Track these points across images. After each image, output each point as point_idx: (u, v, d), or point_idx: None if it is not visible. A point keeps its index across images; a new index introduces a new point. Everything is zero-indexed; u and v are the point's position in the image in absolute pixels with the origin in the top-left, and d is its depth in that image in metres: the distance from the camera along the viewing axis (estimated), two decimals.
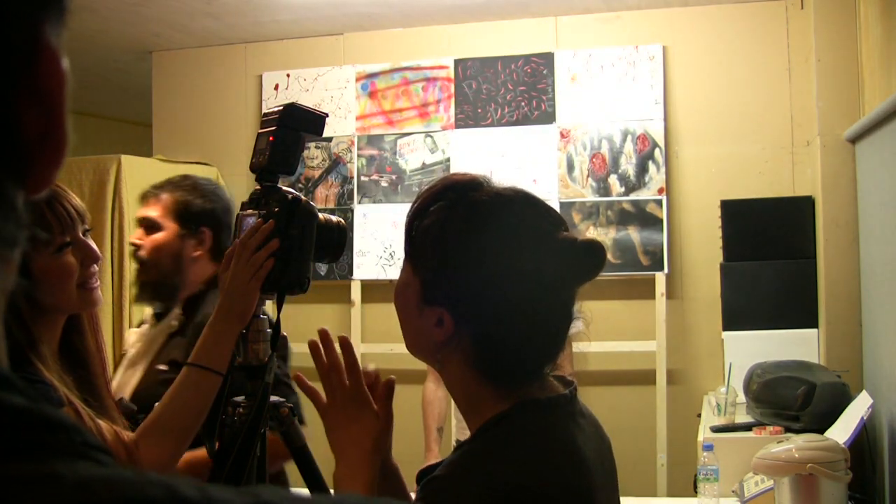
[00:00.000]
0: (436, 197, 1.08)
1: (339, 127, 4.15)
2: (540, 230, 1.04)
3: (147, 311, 2.16)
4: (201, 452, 1.46)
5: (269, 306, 1.48)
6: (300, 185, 4.13)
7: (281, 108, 1.41)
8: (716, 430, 2.82)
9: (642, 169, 3.82)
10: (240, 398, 1.41)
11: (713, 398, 3.11)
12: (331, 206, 4.13)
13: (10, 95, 0.37)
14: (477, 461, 0.99)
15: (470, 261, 1.03)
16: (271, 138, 1.38)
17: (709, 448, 2.50)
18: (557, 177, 3.89)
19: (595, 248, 1.05)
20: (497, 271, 1.01)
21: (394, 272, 4.01)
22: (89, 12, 3.78)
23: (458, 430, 3.00)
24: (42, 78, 0.39)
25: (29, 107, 0.38)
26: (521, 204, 1.06)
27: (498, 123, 3.99)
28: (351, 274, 4.07)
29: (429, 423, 3.04)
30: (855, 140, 3.19)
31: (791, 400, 2.73)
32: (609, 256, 3.81)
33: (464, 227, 1.04)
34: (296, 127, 1.40)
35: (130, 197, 3.63)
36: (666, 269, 3.76)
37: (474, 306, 1.03)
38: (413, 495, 1.05)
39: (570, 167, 3.89)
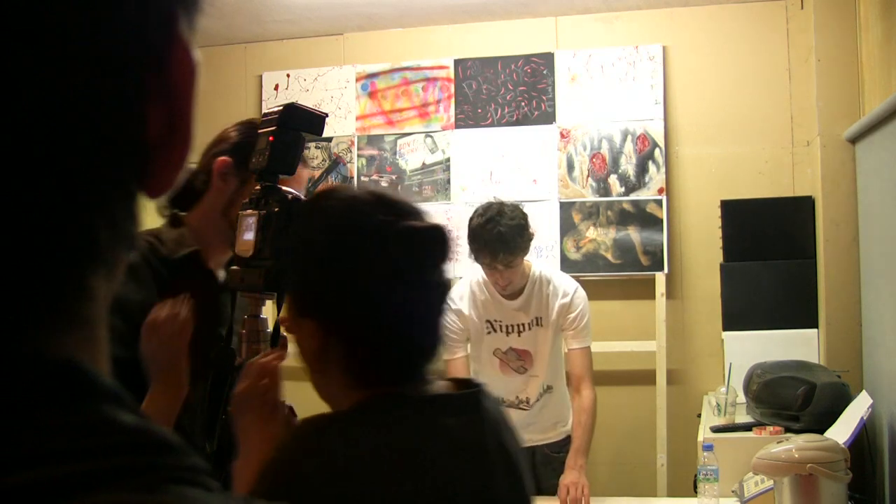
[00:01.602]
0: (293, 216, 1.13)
1: (339, 127, 4.15)
2: (381, 222, 1.04)
3: None
4: None
5: (270, 306, 1.48)
6: None
7: (281, 108, 1.41)
8: (716, 430, 2.82)
9: (642, 169, 3.82)
10: None
11: (713, 398, 3.11)
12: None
13: (139, 91, 0.35)
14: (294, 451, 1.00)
15: (319, 263, 1.04)
16: (271, 138, 1.38)
17: (709, 448, 2.50)
18: (557, 177, 3.89)
19: (430, 233, 1.05)
20: (345, 268, 1.03)
21: None
22: None
23: None
24: (172, 74, 0.37)
25: (155, 103, 0.36)
26: (365, 201, 1.08)
27: (498, 123, 3.99)
28: None
29: None
30: (855, 140, 3.19)
31: (791, 400, 2.73)
32: (609, 256, 3.81)
33: (310, 232, 1.07)
34: (296, 127, 1.40)
35: None
36: (666, 269, 3.76)
37: (332, 308, 1.04)
38: None
39: (570, 167, 3.89)
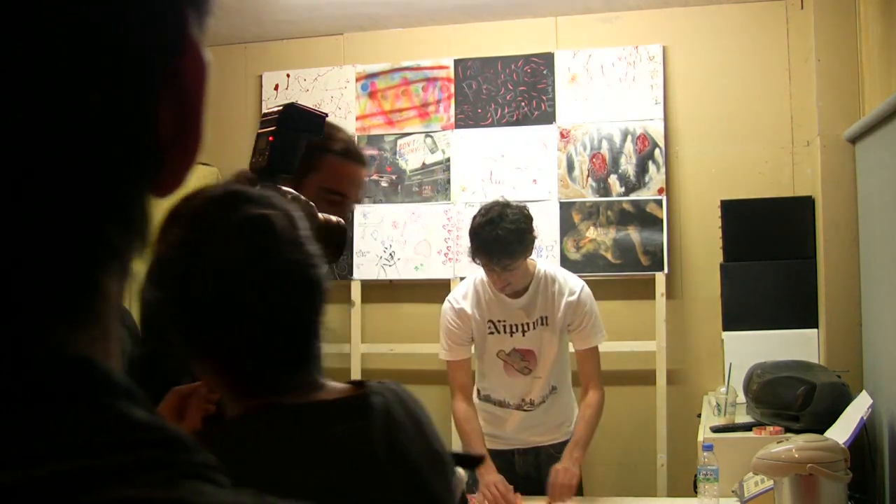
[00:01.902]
0: None
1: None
2: (217, 217, 0.95)
3: None
4: None
5: None
6: None
7: (280, 107, 1.41)
8: (716, 430, 2.82)
9: (642, 169, 3.82)
10: None
11: (713, 398, 3.11)
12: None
13: (150, 91, 0.35)
14: None
15: (167, 276, 0.95)
16: (271, 138, 1.38)
17: (709, 448, 2.50)
18: (557, 177, 3.89)
19: (259, 220, 0.94)
20: (188, 275, 0.94)
21: (394, 272, 4.01)
22: None
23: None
24: (183, 73, 0.37)
25: (166, 104, 0.36)
26: (211, 199, 0.98)
27: (498, 123, 3.99)
28: (351, 274, 4.07)
29: (475, 443, 2.77)
30: (855, 140, 3.19)
31: (791, 400, 2.73)
32: (609, 256, 3.81)
33: (161, 241, 0.98)
34: (296, 127, 1.40)
35: None
36: (666, 269, 3.76)
37: (184, 319, 0.96)
38: None
39: (570, 167, 3.89)
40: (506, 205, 2.71)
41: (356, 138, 4.14)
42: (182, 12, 0.36)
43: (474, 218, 2.72)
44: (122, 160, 0.35)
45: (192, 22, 0.37)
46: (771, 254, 3.45)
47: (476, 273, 2.89)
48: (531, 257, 2.80)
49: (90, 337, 0.34)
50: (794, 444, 2.28)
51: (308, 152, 1.63)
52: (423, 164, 4.06)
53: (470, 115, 4.03)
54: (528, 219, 2.70)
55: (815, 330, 3.31)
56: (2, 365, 0.30)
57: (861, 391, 2.77)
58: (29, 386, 0.31)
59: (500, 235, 2.60)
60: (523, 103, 3.97)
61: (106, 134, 0.34)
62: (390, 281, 4.03)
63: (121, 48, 0.33)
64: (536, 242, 2.79)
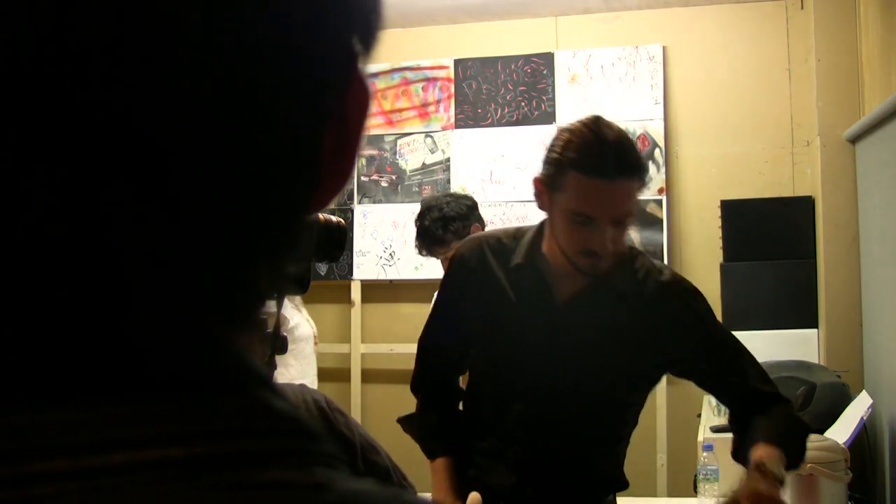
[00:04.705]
0: None
1: None
2: None
3: None
4: None
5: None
6: None
7: None
8: (716, 430, 2.82)
9: None
10: None
11: (713, 398, 3.10)
12: (331, 205, 4.13)
13: (321, 123, 0.38)
14: None
15: None
16: None
17: (709, 448, 2.50)
18: None
19: None
20: None
21: (394, 272, 4.01)
22: None
23: None
24: (348, 104, 0.39)
25: (330, 132, 0.39)
26: None
27: (498, 123, 3.99)
28: (351, 274, 4.07)
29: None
30: (855, 140, 3.19)
31: (791, 400, 2.73)
32: None
33: None
34: None
35: None
36: None
37: None
38: None
39: None
40: (443, 195, 2.85)
41: None
42: (351, 47, 0.39)
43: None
44: (291, 181, 0.38)
45: (359, 54, 0.40)
46: (771, 254, 3.45)
47: None
48: None
49: (244, 334, 0.38)
50: None
51: (552, 169, 1.58)
52: (423, 164, 4.06)
53: (470, 115, 4.03)
54: (464, 207, 2.79)
55: (815, 330, 3.31)
56: (172, 356, 0.34)
57: (861, 391, 2.77)
58: (193, 375, 0.34)
59: (426, 226, 2.74)
60: (523, 103, 3.97)
61: (281, 159, 0.37)
62: (390, 281, 4.03)
63: (299, 82, 0.36)
64: None
